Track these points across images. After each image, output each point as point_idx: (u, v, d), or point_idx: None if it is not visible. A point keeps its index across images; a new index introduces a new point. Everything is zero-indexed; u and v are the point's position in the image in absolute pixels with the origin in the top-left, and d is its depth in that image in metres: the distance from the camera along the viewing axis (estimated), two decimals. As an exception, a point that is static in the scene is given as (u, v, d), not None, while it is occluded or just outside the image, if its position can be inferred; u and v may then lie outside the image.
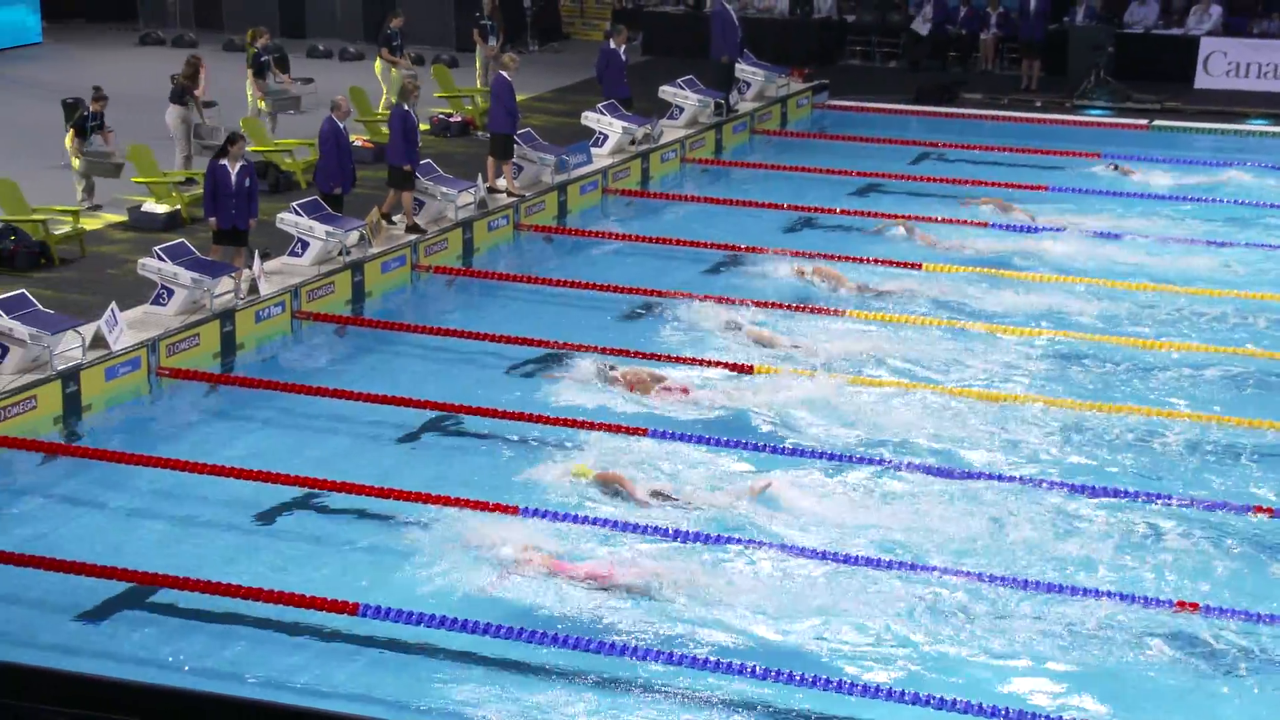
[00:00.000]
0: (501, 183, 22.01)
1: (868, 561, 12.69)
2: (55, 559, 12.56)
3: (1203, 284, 19.31)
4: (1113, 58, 29.08)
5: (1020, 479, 14.14)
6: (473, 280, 19.77)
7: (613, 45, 24.99)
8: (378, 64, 26.20)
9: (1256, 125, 27.49)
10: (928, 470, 14.26)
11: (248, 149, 18.94)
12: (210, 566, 12.59)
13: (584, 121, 24.51)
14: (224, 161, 17.97)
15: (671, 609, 12.08)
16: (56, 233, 19.45)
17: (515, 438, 15.09)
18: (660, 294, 18.92)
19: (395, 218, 20.44)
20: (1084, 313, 18.48)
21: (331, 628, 11.89)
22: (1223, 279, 19.60)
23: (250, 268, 17.78)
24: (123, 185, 21.25)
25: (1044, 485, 14.03)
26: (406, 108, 20.16)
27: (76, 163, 20.98)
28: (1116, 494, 13.88)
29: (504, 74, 21.92)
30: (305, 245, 18.80)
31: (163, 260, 17.23)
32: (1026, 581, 12.41)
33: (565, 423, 15.22)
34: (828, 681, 11.13)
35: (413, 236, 20.06)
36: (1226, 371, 16.85)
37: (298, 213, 18.88)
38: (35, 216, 19.46)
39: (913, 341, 17.47)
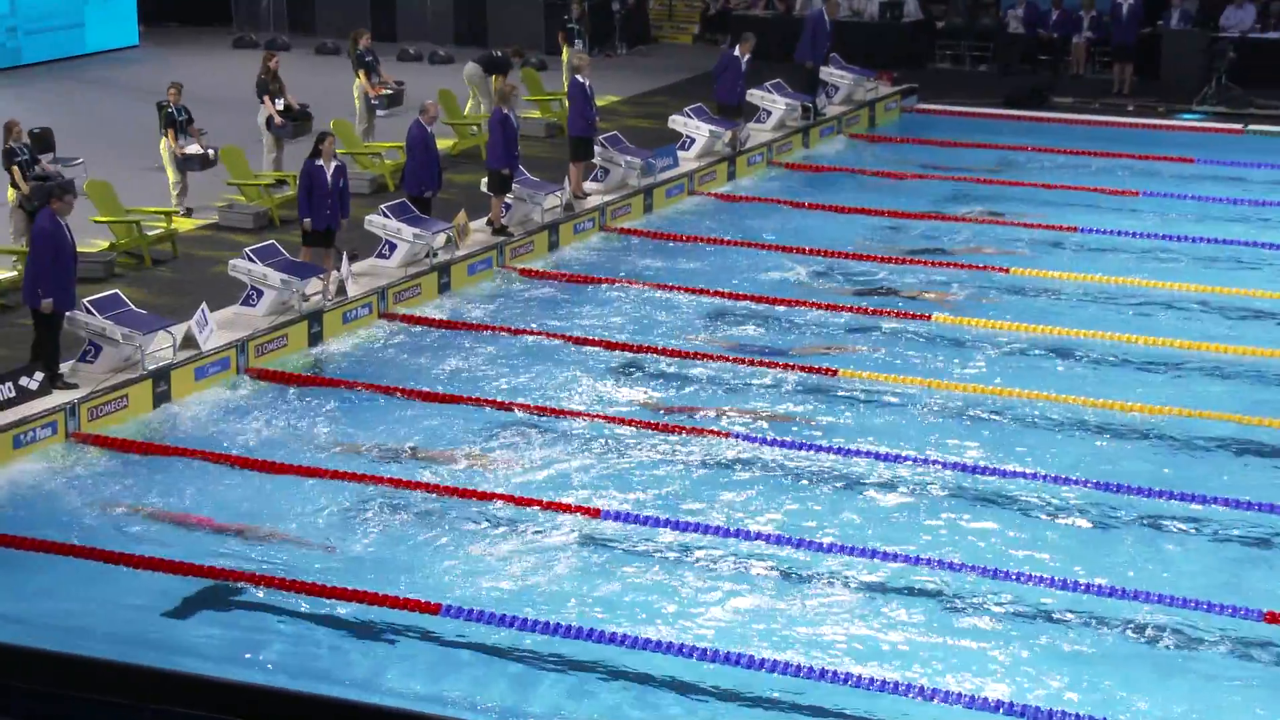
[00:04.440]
0: (586, 185, 22.07)
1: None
2: (141, 555, 12.74)
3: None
4: (1235, 63, 28.54)
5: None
6: (559, 282, 19.80)
7: (736, 52, 24.92)
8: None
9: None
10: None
11: (338, 150, 19.08)
12: (298, 565, 12.73)
13: (671, 125, 24.53)
14: (319, 162, 18.13)
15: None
16: (150, 234, 19.73)
17: (609, 439, 15.12)
18: (748, 298, 18.92)
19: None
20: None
21: (417, 627, 11.99)
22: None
23: (339, 269, 17.94)
24: (215, 186, 21.51)
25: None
26: (506, 111, 20.25)
27: (170, 166, 21.21)
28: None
29: (578, 77, 21.99)
30: (393, 247, 18.95)
31: (252, 261, 17.43)
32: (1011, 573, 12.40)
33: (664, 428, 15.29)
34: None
35: (500, 239, 20.17)
36: None
37: (386, 215, 19.03)
38: (129, 218, 19.74)
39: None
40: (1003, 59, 31.62)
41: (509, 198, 20.46)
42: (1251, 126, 27.28)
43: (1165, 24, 30.23)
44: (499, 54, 26.21)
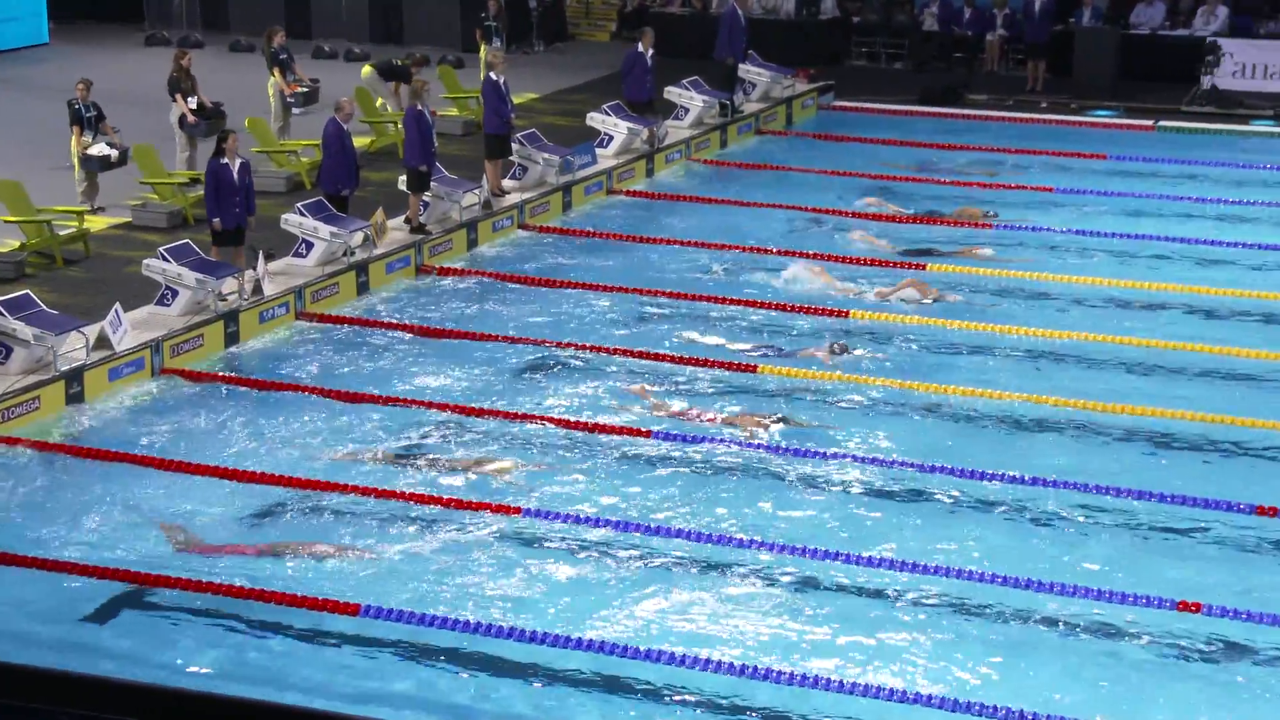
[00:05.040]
0: (505, 183, 22.01)
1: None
2: (52, 560, 12.57)
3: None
4: (1214, 65, 28.57)
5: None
6: (478, 280, 19.74)
7: (640, 48, 24.98)
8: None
9: (1262, 126, 27.43)
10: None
11: (253, 149, 18.93)
12: (214, 568, 12.61)
13: (589, 122, 24.52)
14: (224, 160, 17.97)
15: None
16: (62, 234, 19.46)
17: (529, 437, 15.07)
18: (666, 295, 18.95)
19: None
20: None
21: (334, 629, 11.89)
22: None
23: (254, 268, 17.78)
24: (128, 185, 21.25)
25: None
26: (420, 108, 20.15)
27: (77, 164, 20.95)
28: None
29: (492, 74, 21.94)
30: (310, 246, 18.81)
31: (167, 261, 17.25)
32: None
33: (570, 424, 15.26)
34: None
35: (418, 237, 20.07)
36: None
37: (303, 214, 18.89)
38: (40, 218, 19.47)
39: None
40: (918, 56, 31.86)
41: (426, 195, 20.36)
42: (1162, 123, 27.63)
43: (1077, 21, 30.55)
44: (399, 63, 26.06)
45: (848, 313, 18.40)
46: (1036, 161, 25.16)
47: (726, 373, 16.69)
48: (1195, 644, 11.74)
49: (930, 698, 10.91)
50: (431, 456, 14.65)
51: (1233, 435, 15.18)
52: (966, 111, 28.40)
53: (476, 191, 21.13)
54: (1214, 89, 28.40)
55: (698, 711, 10.97)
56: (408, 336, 17.73)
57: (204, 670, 11.35)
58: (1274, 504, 13.57)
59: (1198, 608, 11.95)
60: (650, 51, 25.00)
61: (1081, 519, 13.63)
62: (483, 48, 27.61)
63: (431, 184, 20.42)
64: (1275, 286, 19.31)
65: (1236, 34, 30.48)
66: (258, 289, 17.68)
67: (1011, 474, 14.21)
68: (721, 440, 14.95)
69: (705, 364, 16.82)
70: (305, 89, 24.41)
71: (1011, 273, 19.79)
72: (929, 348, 17.54)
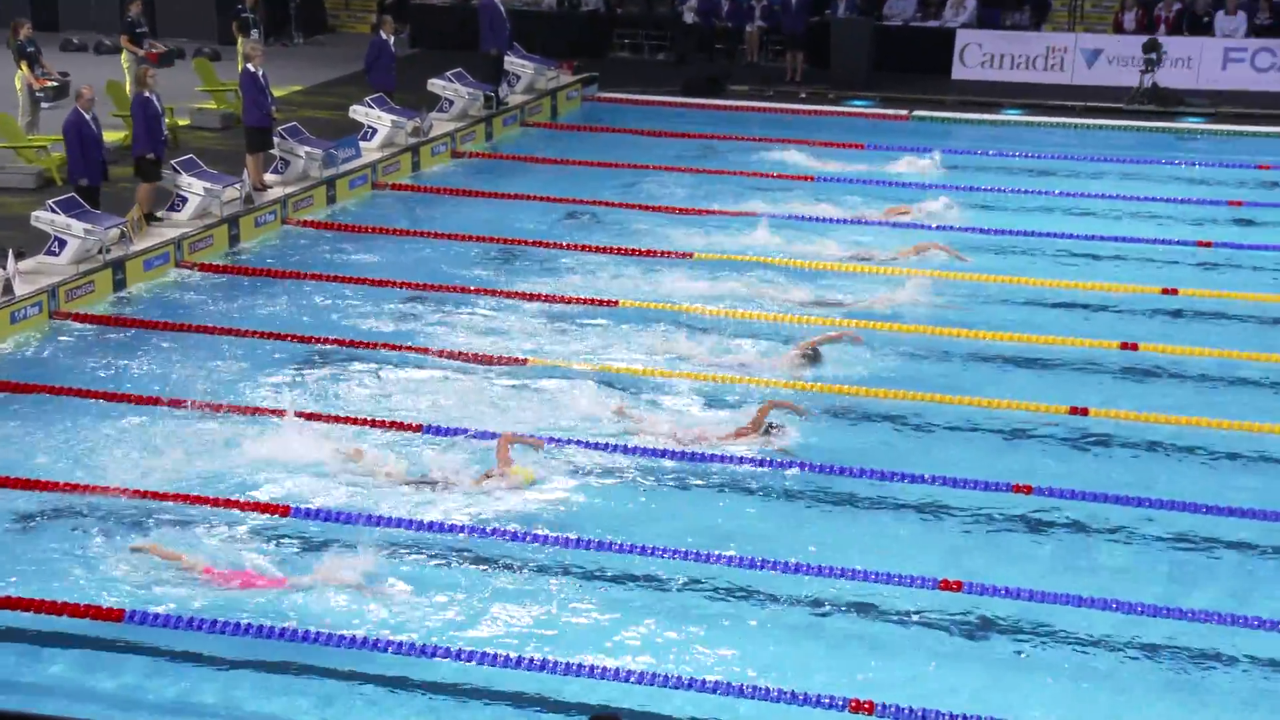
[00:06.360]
0: (266, 177, 21.65)
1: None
2: None
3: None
4: (1155, 63, 28.62)
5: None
6: (240, 276, 19.37)
7: (383, 36, 24.80)
8: (123, 55, 25.05)
9: (1012, 115, 28.35)
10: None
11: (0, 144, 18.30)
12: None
13: (352, 115, 24.24)
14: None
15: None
16: None
17: (293, 433, 14.81)
18: (433, 288, 18.84)
19: (159, 213, 19.97)
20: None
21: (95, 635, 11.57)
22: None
23: (3, 267, 17.18)
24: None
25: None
26: (147, 95, 19.68)
27: None
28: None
29: (249, 66, 21.57)
30: (63, 243, 18.24)
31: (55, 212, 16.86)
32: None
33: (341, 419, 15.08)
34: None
35: (176, 233, 19.60)
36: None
37: (54, 210, 18.30)
38: None
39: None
40: (680, 48, 32.20)
41: (182, 190, 19.95)
42: (917, 113, 28.37)
43: (833, 13, 31.21)
44: (128, 18, 25.67)
45: (616, 302, 18.47)
46: (795, 150, 25.55)
47: (506, 366, 16.60)
48: (954, 619, 12.05)
49: (728, 685, 11.00)
50: (185, 455, 14.29)
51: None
52: (728, 102, 28.81)
53: (238, 186, 20.73)
54: (1155, 87, 28.52)
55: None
56: (169, 333, 17.30)
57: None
58: (1028, 483, 14.02)
59: (959, 586, 12.29)
60: (393, 39, 24.87)
61: (865, 504, 13.85)
62: (240, 40, 27.08)
63: (191, 178, 20.04)
64: (1018, 271, 19.89)
65: (984, 25, 31.46)
66: (8, 289, 17.09)
67: (762, 458, 14.41)
68: (479, 435, 14.88)
69: (472, 359, 16.73)
70: (55, 83, 23.67)
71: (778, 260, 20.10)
72: (692, 332, 17.71)
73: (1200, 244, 21.02)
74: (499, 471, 13.81)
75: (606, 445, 14.63)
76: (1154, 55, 28.48)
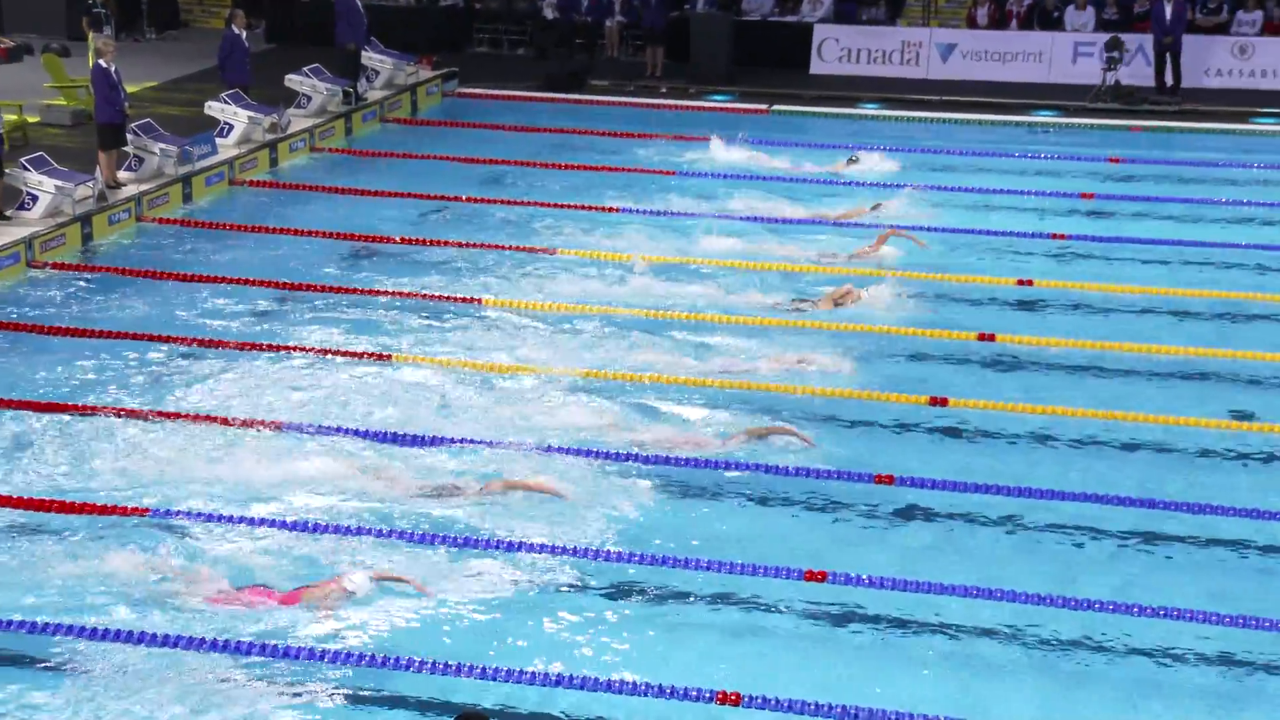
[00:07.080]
0: (120, 175, 21.26)
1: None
2: None
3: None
4: (1118, 61, 28.46)
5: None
6: (93, 275, 19.00)
7: (235, 30, 24.48)
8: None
9: (869, 109, 28.67)
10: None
11: None
12: None
13: (208, 111, 23.88)
14: None
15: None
16: None
17: (154, 434, 14.56)
18: (292, 286, 18.64)
19: (8, 211, 19.54)
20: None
21: None
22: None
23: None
24: None
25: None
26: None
27: None
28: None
29: (101, 62, 21.18)
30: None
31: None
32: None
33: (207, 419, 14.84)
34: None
35: (27, 232, 19.18)
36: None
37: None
38: None
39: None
40: (540, 43, 32.13)
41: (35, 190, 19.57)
42: (776, 107, 28.57)
43: (692, 8, 31.32)
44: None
45: (481, 299, 18.39)
46: (658, 146, 25.62)
47: (371, 363, 16.45)
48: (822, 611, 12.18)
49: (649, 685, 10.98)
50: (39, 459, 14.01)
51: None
52: (589, 97, 28.81)
53: (90, 184, 20.33)
54: (1118, 85, 28.50)
55: None
56: (21, 336, 16.92)
57: None
58: (890, 472, 14.20)
59: (823, 576, 12.41)
60: (245, 32, 24.59)
61: (734, 495, 13.96)
62: (90, 35, 26.52)
63: (41, 176, 19.64)
64: (896, 264, 20.10)
65: (841, 21, 31.76)
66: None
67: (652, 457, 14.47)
68: (350, 433, 14.74)
69: (335, 354, 16.57)
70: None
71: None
72: (572, 330, 17.70)
73: (1054, 236, 21.43)
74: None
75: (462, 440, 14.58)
76: (1116, 54, 28.57)
